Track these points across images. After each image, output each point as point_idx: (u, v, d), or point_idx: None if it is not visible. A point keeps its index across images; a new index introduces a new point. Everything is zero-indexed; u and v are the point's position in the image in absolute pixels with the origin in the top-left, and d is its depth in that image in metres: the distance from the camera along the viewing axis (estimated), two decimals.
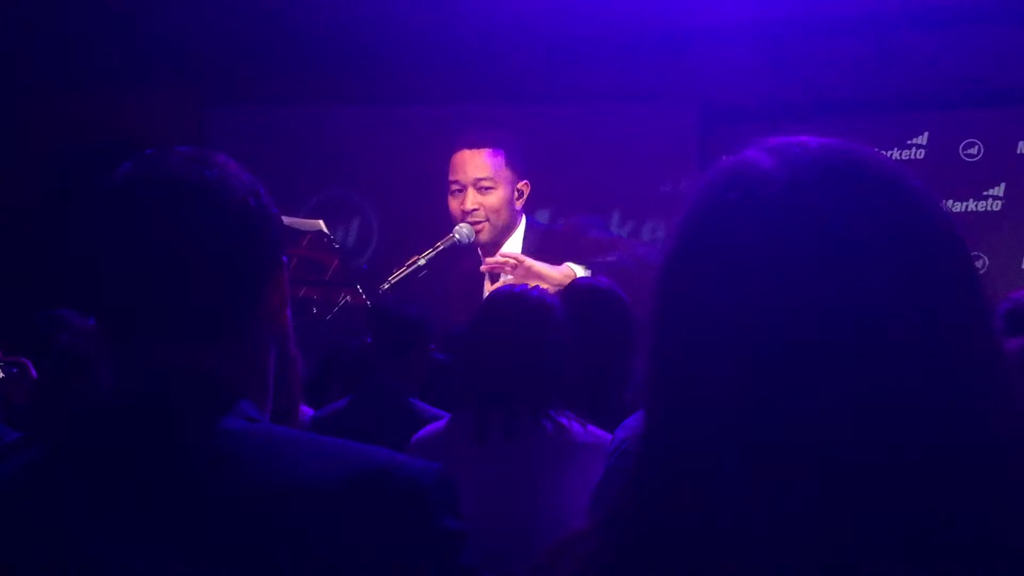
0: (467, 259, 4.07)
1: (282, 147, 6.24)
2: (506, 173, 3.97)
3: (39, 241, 4.63)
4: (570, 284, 3.11)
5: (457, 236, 3.91)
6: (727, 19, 5.66)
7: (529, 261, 3.67)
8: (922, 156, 5.73)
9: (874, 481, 0.74)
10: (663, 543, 0.78)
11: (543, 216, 5.84)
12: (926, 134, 5.76)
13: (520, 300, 2.63)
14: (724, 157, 0.84)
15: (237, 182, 1.12)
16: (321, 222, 4.25)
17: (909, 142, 5.75)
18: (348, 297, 4.16)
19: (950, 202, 5.62)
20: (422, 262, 3.85)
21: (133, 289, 1.09)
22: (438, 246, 3.88)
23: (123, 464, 1.04)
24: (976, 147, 5.71)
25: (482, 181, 3.93)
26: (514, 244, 4.01)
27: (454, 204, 3.97)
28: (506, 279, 3.85)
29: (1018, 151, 5.70)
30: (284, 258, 1.16)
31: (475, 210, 3.92)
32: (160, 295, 1.08)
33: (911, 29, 5.61)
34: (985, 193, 5.70)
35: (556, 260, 3.78)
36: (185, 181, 1.10)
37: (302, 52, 6.07)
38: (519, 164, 4.00)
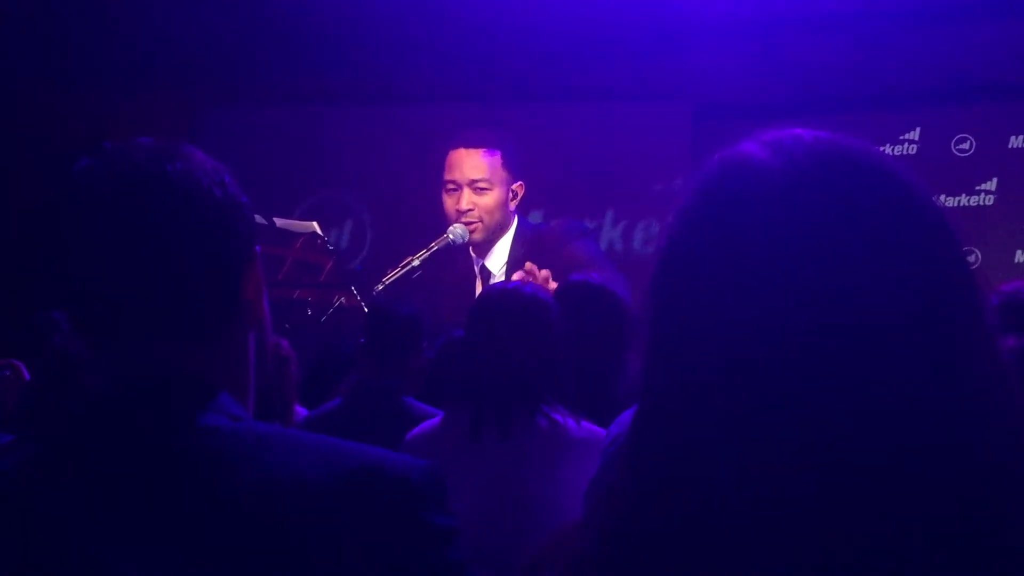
0: (461, 259, 4.06)
1: (276, 149, 6.24)
2: (502, 174, 3.96)
3: (31, 242, 4.61)
4: (563, 280, 3.11)
5: (451, 237, 3.90)
6: (720, 18, 5.67)
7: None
8: (914, 151, 5.74)
9: (871, 479, 0.73)
10: (655, 539, 0.77)
11: (536, 216, 5.84)
12: (918, 129, 5.77)
13: (513, 296, 2.63)
14: (719, 151, 0.84)
15: (202, 173, 1.09)
16: (315, 224, 4.25)
17: (901, 137, 5.76)
18: (342, 299, 4.16)
19: (943, 197, 5.62)
20: (416, 263, 3.84)
21: (101, 289, 1.07)
22: (432, 247, 3.88)
23: (108, 464, 1.03)
24: (968, 142, 5.72)
25: (478, 182, 3.92)
26: (504, 245, 4.01)
27: (449, 203, 3.96)
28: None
29: (1010, 146, 5.71)
30: (257, 247, 1.14)
31: (470, 210, 3.92)
32: (129, 294, 1.06)
33: (903, 25, 5.62)
34: (977, 188, 5.71)
35: (540, 264, 3.78)
36: (148, 175, 1.07)
37: (296, 53, 6.06)
38: (515, 165, 4.00)
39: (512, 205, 4.00)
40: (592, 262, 3.72)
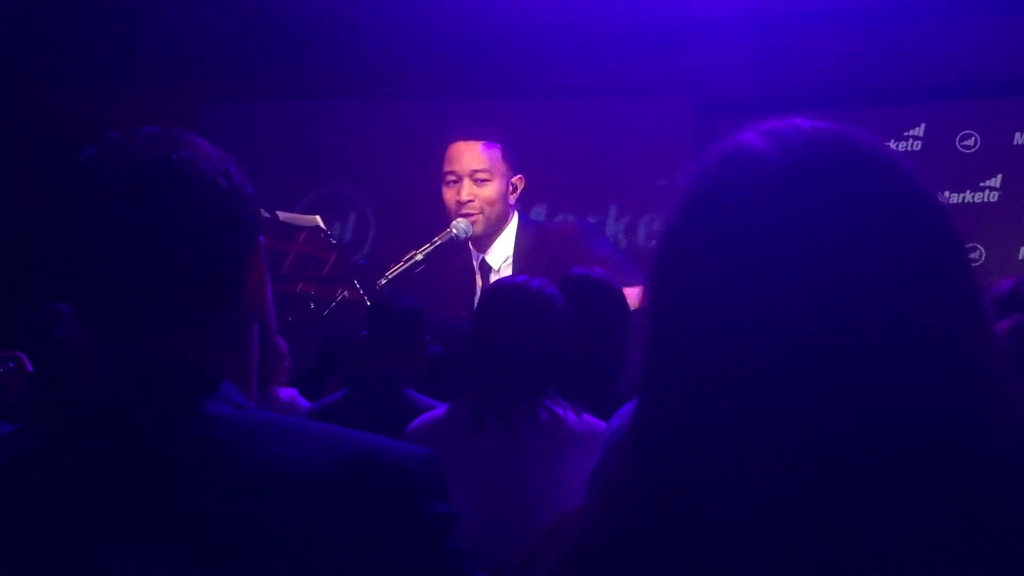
0: (463, 254, 4.06)
1: (278, 143, 6.24)
2: (502, 166, 3.96)
3: (34, 235, 4.61)
4: (565, 274, 3.11)
5: (454, 231, 3.90)
6: (723, 11, 5.66)
7: None
8: (919, 147, 5.73)
9: (870, 478, 0.73)
10: (653, 536, 0.77)
11: (540, 211, 5.84)
12: (922, 125, 5.76)
13: (519, 291, 2.64)
14: (719, 141, 0.83)
15: (206, 163, 1.09)
16: (318, 218, 4.25)
17: (906, 134, 5.75)
18: (345, 292, 4.16)
19: (947, 193, 5.62)
20: (419, 257, 3.84)
21: (104, 278, 1.07)
22: (435, 241, 3.88)
23: (110, 453, 1.04)
24: (973, 138, 5.71)
25: (478, 173, 3.92)
26: (507, 240, 4.01)
27: (449, 195, 3.96)
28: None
29: (1015, 142, 5.70)
30: (261, 238, 1.14)
31: (470, 201, 3.92)
32: (132, 283, 1.07)
33: (907, 20, 5.61)
34: (982, 184, 5.70)
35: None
36: (152, 165, 1.08)
37: (298, 47, 6.06)
38: (514, 158, 4.00)
39: (512, 198, 4.00)
40: (610, 261, 3.71)
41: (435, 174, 4.06)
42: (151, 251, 1.07)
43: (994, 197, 5.71)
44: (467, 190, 3.91)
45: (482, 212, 3.92)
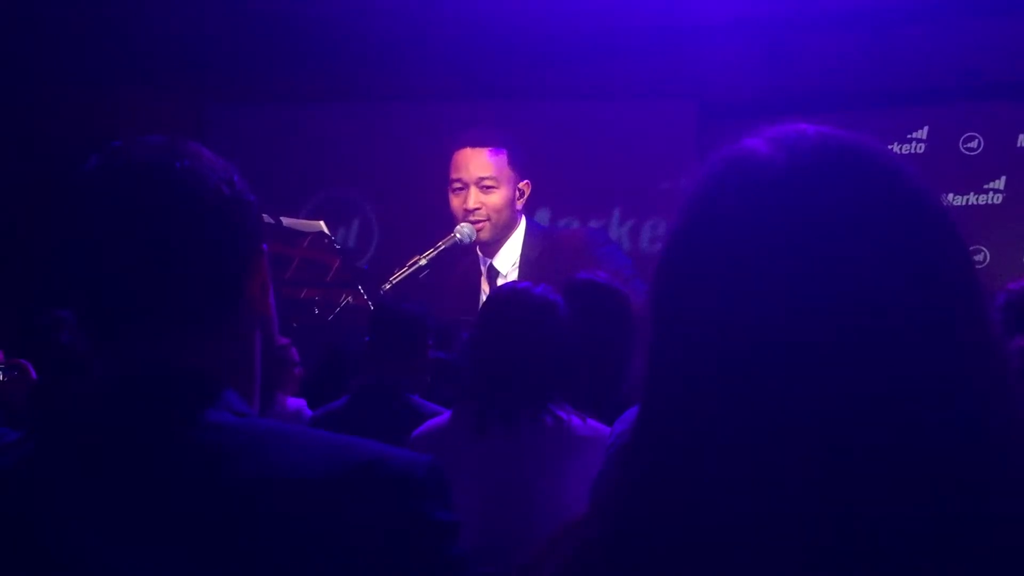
0: (468, 258, 4.06)
1: (282, 146, 6.26)
2: (508, 173, 3.96)
3: (38, 239, 4.63)
4: (570, 278, 3.11)
5: (458, 236, 3.90)
6: (725, 15, 5.66)
7: None
8: (922, 150, 5.73)
9: (871, 485, 0.73)
10: (655, 535, 0.77)
11: (543, 215, 5.84)
12: (926, 128, 5.76)
13: (522, 296, 2.64)
14: (723, 147, 0.83)
15: (209, 171, 1.10)
16: (322, 223, 4.26)
17: (909, 136, 5.76)
18: (349, 298, 4.16)
19: (951, 196, 5.62)
20: (423, 262, 3.84)
21: (106, 285, 1.08)
22: (439, 246, 3.88)
23: (111, 460, 1.04)
24: (976, 140, 5.71)
25: (485, 180, 3.92)
26: (514, 245, 4.01)
27: (456, 202, 3.97)
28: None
29: (1018, 144, 5.70)
30: (264, 245, 1.15)
31: (477, 209, 3.92)
32: (137, 290, 1.07)
33: (910, 23, 5.61)
34: (986, 187, 5.71)
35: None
36: (155, 173, 1.08)
37: (302, 50, 6.08)
38: (521, 164, 4.00)
39: (519, 204, 4.00)
40: (619, 275, 3.70)
41: (440, 178, 4.06)
42: (153, 258, 1.07)
43: (998, 199, 5.71)
44: (474, 198, 3.91)
45: (489, 219, 3.92)
